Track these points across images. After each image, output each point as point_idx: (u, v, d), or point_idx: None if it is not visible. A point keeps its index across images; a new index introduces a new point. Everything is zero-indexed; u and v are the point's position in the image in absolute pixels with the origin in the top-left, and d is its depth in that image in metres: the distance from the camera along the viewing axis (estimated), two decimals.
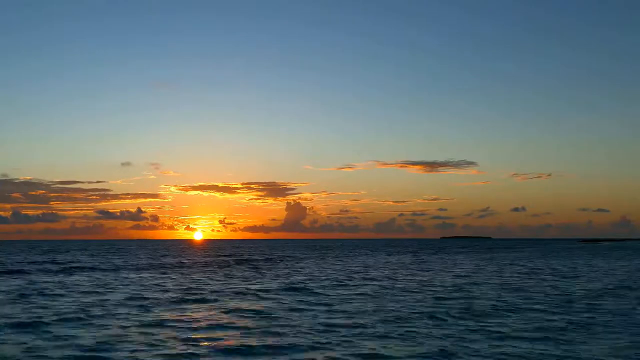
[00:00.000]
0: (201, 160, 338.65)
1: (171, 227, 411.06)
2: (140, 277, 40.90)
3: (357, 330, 18.10)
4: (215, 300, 25.70)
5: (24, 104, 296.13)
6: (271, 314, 21.55)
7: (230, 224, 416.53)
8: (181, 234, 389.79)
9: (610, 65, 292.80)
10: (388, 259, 74.21)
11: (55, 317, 20.85)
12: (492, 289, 31.30)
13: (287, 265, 58.73)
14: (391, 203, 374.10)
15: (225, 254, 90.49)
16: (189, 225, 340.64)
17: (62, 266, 54.09)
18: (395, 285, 33.52)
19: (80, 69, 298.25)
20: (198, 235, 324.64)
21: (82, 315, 21.28)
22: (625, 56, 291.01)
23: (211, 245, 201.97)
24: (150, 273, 44.89)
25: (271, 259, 73.39)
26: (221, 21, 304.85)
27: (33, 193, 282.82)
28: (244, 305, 24.23)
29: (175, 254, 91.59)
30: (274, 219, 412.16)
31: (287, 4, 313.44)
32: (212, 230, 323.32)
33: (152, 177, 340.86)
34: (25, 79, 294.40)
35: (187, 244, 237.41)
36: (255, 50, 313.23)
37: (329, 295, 27.86)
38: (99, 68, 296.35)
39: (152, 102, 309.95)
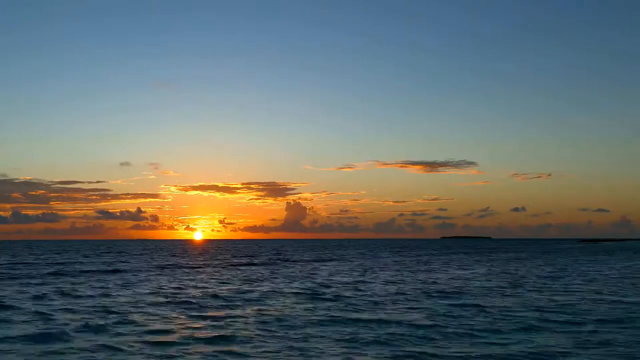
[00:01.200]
0: (201, 160, 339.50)
1: (171, 227, 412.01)
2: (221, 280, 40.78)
3: None
4: None
5: (24, 104, 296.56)
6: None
7: (230, 224, 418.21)
8: (181, 234, 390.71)
9: (610, 65, 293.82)
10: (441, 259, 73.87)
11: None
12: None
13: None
14: (391, 203, 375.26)
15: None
16: (188, 225, 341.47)
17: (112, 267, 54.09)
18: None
19: (80, 69, 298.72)
20: (198, 235, 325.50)
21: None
22: (625, 56, 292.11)
23: (225, 245, 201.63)
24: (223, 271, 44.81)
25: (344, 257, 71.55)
26: (221, 21, 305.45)
27: (33, 193, 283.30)
28: None
29: (241, 255, 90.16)
30: (274, 219, 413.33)
31: (287, 4, 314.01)
32: (212, 230, 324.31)
33: (152, 177, 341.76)
34: (25, 79, 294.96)
35: (192, 244, 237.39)
36: (255, 50, 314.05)
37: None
38: (99, 68, 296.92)
39: (152, 102, 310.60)
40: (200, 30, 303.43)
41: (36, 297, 28.36)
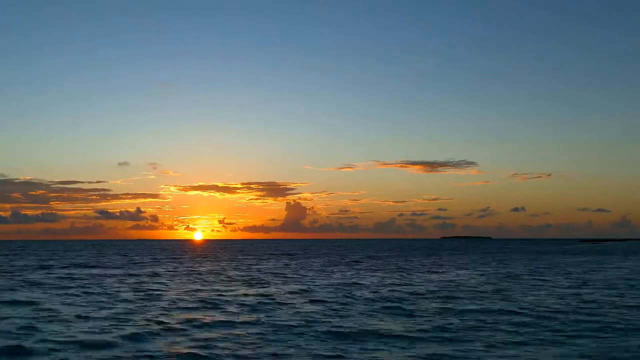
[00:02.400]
0: (201, 160, 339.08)
1: (171, 227, 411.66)
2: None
3: None
4: None
5: (24, 104, 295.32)
6: None
7: (230, 224, 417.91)
8: (181, 234, 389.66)
9: (610, 65, 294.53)
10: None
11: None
12: None
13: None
14: (391, 203, 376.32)
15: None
16: (188, 225, 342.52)
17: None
18: None
19: (80, 69, 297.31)
20: (198, 235, 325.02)
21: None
22: (625, 56, 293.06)
23: (230, 245, 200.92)
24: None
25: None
26: (221, 21, 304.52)
27: (33, 193, 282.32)
28: None
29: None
30: (273, 219, 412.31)
31: (287, 4, 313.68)
32: (212, 230, 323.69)
33: (152, 177, 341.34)
34: (25, 79, 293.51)
35: (194, 244, 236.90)
36: (255, 50, 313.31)
37: None
38: (99, 68, 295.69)
39: (151, 102, 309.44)
40: (200, 30, 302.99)
41: None
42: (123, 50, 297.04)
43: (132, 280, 39.51)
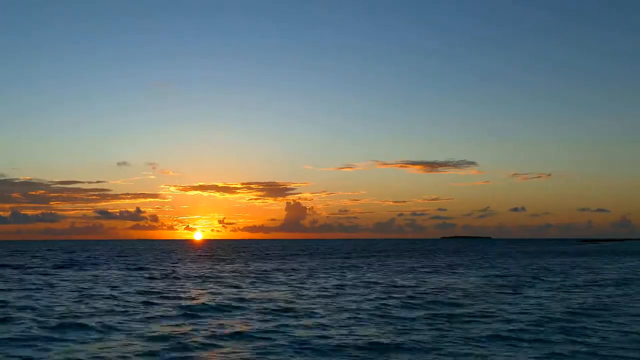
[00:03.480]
0: (201, 160, 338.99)
1: (171, 227, 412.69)
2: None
3: None
4: None
5: (24, 104, 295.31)
6: None
7: (230, 224, 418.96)
8: (181, 234, 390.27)
9: (609, 65, 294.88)
10: None
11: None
12: None
13: None
14: (391, 203, 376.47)
15: None
16: (188, 225, 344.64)
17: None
18: None
19: (80, 69, 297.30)
20: (198, 235, 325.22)
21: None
22: (625, 56, 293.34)
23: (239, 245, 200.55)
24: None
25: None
26: (221, 21, 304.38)
27: (33, 193, 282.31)
28: None
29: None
30: (273, 219, 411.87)
31: (287, 4, 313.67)
32: (212, 230, 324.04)
33: (152, 177, 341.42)
34: (25, 79, 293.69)
35: (194, 243, 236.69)
36: (255, 50, 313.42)
37: None
38: (99, 68, 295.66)
39: (152, 102, 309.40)
40: (200, 30, 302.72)
41: None
42: (123, 50, 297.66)
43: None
